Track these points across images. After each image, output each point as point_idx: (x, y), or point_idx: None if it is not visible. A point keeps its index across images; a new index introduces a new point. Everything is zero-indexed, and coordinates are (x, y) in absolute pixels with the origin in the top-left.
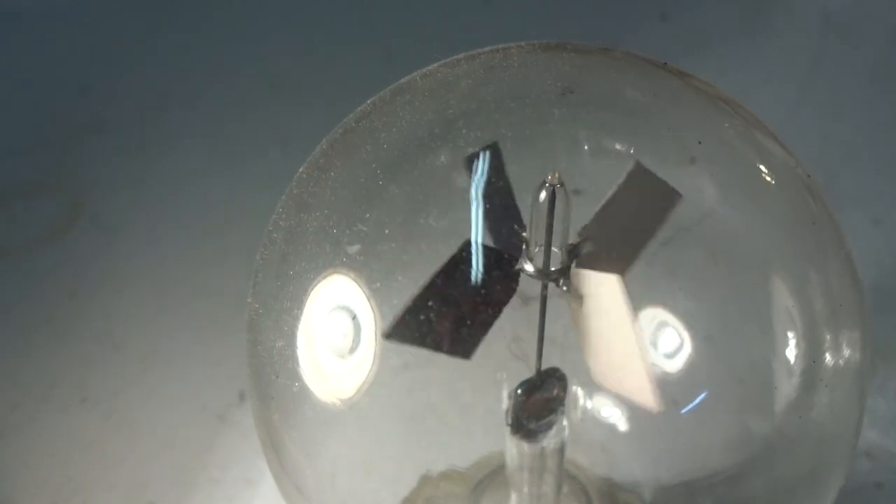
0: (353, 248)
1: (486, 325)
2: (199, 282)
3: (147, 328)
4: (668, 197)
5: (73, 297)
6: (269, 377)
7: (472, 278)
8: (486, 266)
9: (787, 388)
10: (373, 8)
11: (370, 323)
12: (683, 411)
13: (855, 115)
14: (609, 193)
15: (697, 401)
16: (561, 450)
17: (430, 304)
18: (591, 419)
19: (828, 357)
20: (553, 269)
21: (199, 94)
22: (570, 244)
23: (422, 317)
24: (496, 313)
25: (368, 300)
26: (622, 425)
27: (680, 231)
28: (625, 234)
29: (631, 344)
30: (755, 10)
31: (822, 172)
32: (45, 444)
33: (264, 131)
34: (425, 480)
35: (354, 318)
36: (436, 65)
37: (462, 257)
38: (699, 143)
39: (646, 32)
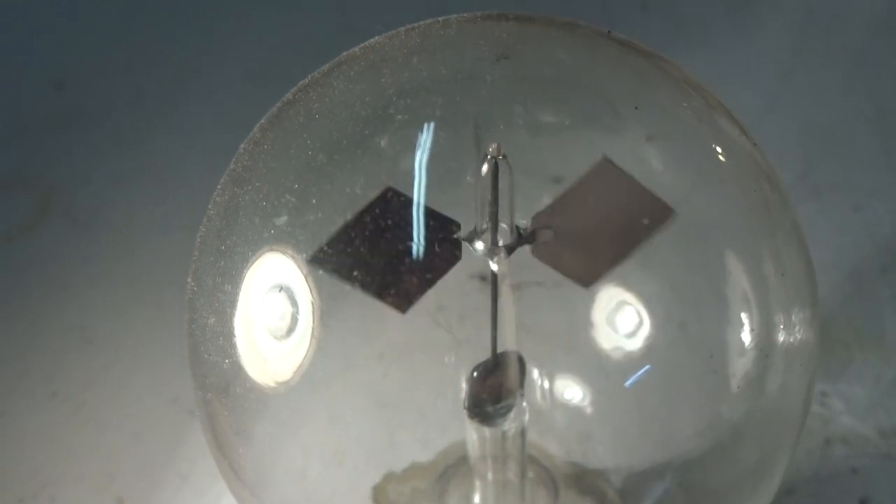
0: (281, 220)
1: (423, 283)
2: (171, 275)
3: (118, 322)
4: (654, 208)
5: (44, 290)
6: (203, 356)
7: (402, 228)
8: (426, 228)
9: (740, 370)
10: None
11: (307, 303)
12: (627, 384)
13: (835, 105)
14: (571, 185)
15: (640, 373)
16: (522, 434)
17: (353, 236)
18: (552, 404)
19: (780, 339)
20: (502, 244)
21: (174, 88)
22: (525, 229)
23: (348, 249)
24: (433, 274)
25: (306, 279)
26: (579, 410)
27: None
28: (597, 238)
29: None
30: (737, 0)
31: (804, 160)
32: (13, 438)
33: (240, 125)
34: (390, 476)
35: (292, 298)
36: (377, 37)
37: (390, 202)
38: (636, 108)
39: (626, 22)
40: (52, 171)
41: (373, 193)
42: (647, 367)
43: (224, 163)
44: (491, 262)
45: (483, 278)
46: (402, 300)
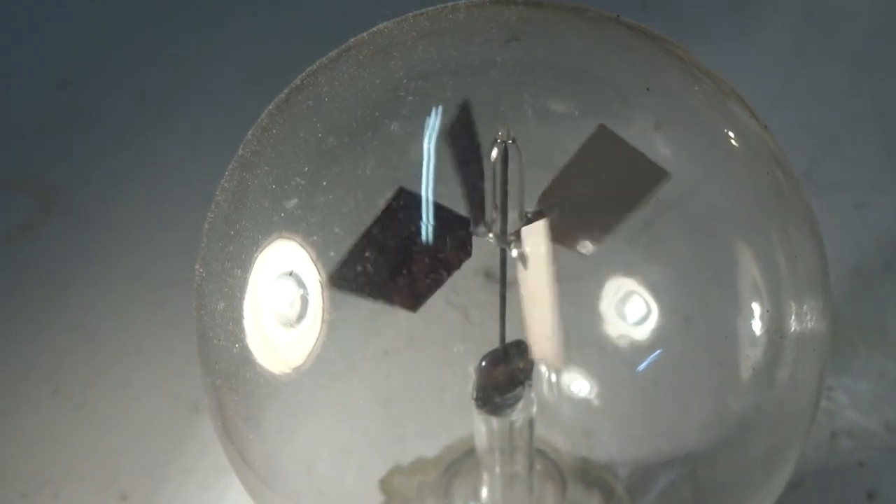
0: (291, 203)
1: (434, 281)
2: (171, 274)
3: (119, 320)
4: (649, 172)
5: (46, 289)
6: (212, 341)
7: (413, 230)
8: (434, 225)
9: (751, 359)
10: None
11: (317, 286)
12: (640, 367)
13: (837, 103)
14: (570, 158)
15: (653, 356)
16: (530, 425)
17: (367, 254)
18: (559, 396)
19: (792, 328)
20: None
21: (174, 88)
22: (531, 212)
23: (359, 267)
24: (445, 271)
25: (315, 263)
26: (591, 402)
27: (663, 210)
28: (597, 206)
29: (546, 306)
30: (737, 0)
31: (806, 158)
32: (15, 436)
33: (240, 125)
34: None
35: (301, 281)
36: (384, 23)
37: (398, 206)
38: (647, 89)
39: None
40: (54, 170)
41: (381, 172)
42: (658, 350)
43: (224, 162)
44: (500, 250)
45: (488, 275)
46: (413, 301)
